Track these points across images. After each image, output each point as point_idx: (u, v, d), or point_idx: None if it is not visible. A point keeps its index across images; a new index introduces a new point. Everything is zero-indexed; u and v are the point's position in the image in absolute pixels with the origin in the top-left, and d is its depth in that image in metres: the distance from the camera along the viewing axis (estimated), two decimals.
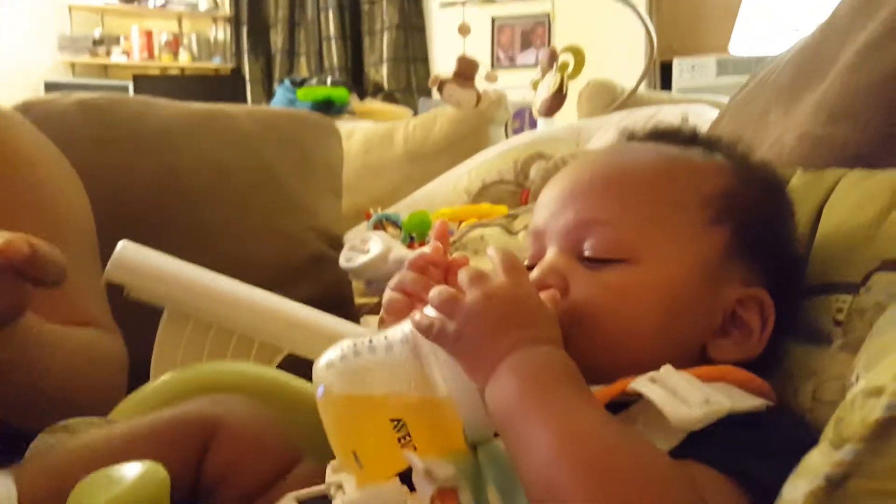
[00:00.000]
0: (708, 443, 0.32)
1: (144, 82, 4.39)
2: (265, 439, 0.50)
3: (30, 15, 4.35)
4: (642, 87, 1.96)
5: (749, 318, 0.40)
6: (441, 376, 0.35)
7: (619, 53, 3.07)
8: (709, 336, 0.40)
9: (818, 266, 0.43)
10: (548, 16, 3.73)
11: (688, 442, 0.33)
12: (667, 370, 0.35)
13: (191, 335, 0.72)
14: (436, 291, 0.36)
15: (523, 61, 3.97)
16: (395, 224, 1.20)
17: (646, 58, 1.88)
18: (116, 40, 4.70)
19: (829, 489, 0.27)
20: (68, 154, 0.77)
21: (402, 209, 1.33)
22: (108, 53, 4.66)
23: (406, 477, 0.35)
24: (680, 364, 0.37)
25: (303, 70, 4.43)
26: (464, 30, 1.64)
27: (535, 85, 1.59)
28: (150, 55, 4.72)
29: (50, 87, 4.16)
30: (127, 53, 4.69)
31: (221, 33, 4.82)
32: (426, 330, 0.36)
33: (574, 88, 1.62)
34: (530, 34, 3.99)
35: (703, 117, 1.34)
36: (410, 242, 1.12)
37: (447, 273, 0.46)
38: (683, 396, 0.33)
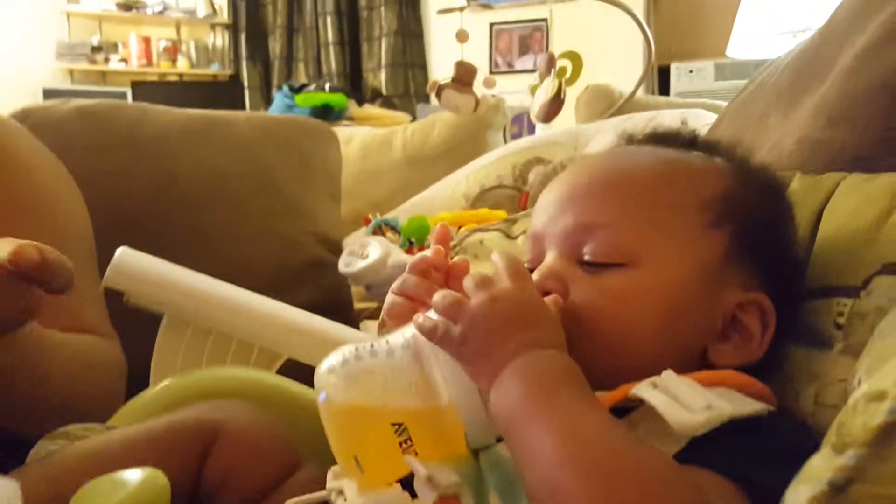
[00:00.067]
0: (710, 448, 0.32)
1: (143, 89, 4.39)
2: (265, 444, 0.50)
3: (28, 22, 4.36)
4: (640, 92, 1.97)
5: (749, 322, 0.40)
6: (442, 381, 0.35)
7: (617, 58, 3.08)
8: (709, 340, 0.40)
9: (818, 269, 0.43)
10: (546, 21, 3.75)
11: (690, 447, 0.32)
12: (668, 375, 0.35)
13: (190, 341, 0.72)
14: (440, 295, 0.37)
15: (521, 66, 3.98)
16: (394, 229, 1.20)
17: (644, 62, 1.88)
18: (114, 47, 4.70)
19: (831, 494, 0.26)
20: (66, 160, 0.77)
21: (401, 214, 1.33)
22: (107, 60, 4.66)
23: (408, 483, 0.35)
24: (681, 368, 0.37)
25: (301, 76, 4.44)
26: (461, 36, 1.64)
27: (532, 90, 1.60)
28: (149, 62, 4.73)
29: (48, 93, 4.16)
30: (125, 60, 4.69)
31: (220, 40, 4.83)
32: (430, 333, 0.36)
33: (572, 93, 1.63)
34: (528, 39, 4.01)
35: (701, 121, 1.35)
36: (409, 247, 1.12)
37: (448, 277, 0.46)
38: (685, 402, 0.33)
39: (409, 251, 1.04)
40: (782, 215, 0.44)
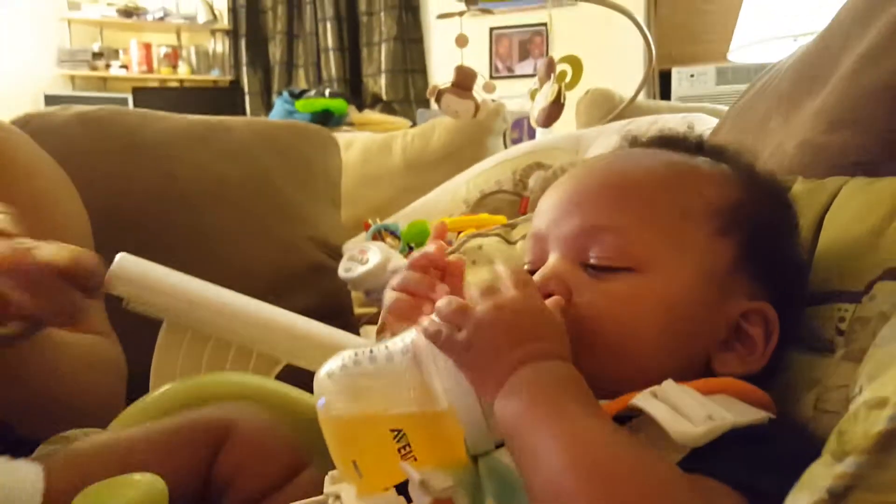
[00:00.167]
0: (711, 457, 0.32)
1: (143, 95, 4.41)
2: (273, 445, 0.52)
3: (29, 29, 4.38)
4: (641, 97, 1.97)
5: (753, 332, 0.40)
6: (442, 387, 0.35)
7: (618, 62, 3.08)
8: (713, 349, 0.40)
9: (820, 274, 0.43)
10: (545, 25, 3.76)
11: (691, 456, 0.32)
12: (669, 385, 0.35)
13: (189, 346, 0.72)
14: (445, 301, 0.36)
15: (521, 71, 3.99)
16: (394, 234, 1.20)
17: (644, 67, 1.88)
18: (115, 53, 4.72)
19: (830, 502, 0.26)
20: (67, 166, 0.77)
21: (401, 219, 1.33)
22: (108, 66, 4.68)
23: (404, 487, 0.35)
24: (683, 375, 0.37)
25: (301, 82, 4.45)
26: (461, 41, 1.64)
27: (532, 95, 1.59)
28: (149, 68, 4.74)
29: (50, 100, 4.17)
30: (126, 66, 4.71)
31: (220, 46, 4.85)
32: (434, 337, 0.36)
33: (572, 98, 1.63)
34: (528, 44, 4.02)
35: (702, 126, 1.35)
36: (409, 252, 1.11)
37: (444, 275, 0.46)
38: (686, 413, 0.32)
39: (408, 256, 1.04)
40: (788, 225, 0.44)
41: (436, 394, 0.35)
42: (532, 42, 4.01)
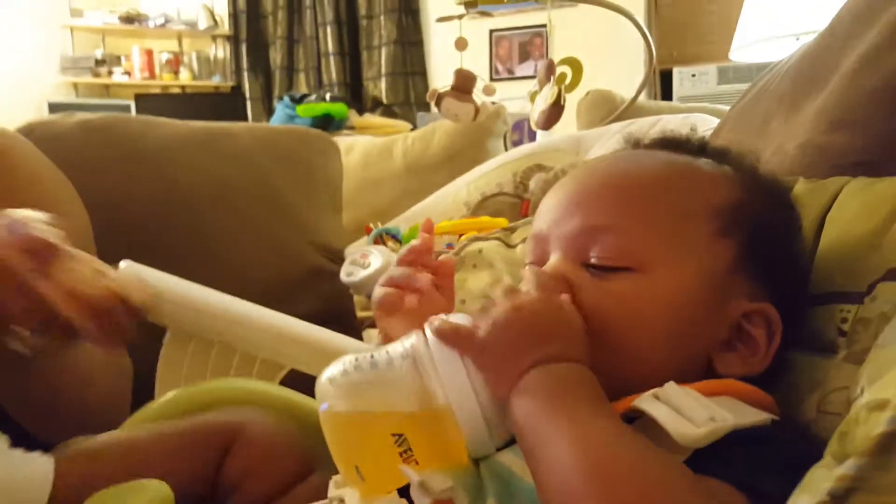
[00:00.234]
0: (713, 459, 0.32)
1: (146, 101, 4.43)
2: (279, 449, 0.53)
3: (32, 37, 4.40)
4: (642, 97, 1.97)
5: (756, 332, 0.40)
6: (442, 391, 0.35)
7: (619, 63, 3.08)
8: (714, 349, 0.40)
9: (822, 275, 0.42)
10: (545, 27, 3.76)
11: (693, 458, 0.32)
12: (671, 387, 0.35)
13: (194, 353, 0.72)
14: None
15: (522, 73, 3.99)
16: (395, 238, 1.20)
17: (645, 67, 1.88)
18: (118, 60, 4.74)
19: None
20: (71, 173, 0.77)
21: (402, 223, 1.33)
22: (110, 73, 4.70)
23: (408, 490, 0.35)
24: (685, 376, 0.37)
25: (302, 86, 4.46)
26: (460, 44, 1.64)
27: (532, 97, 1.59)
28: (151, 74, 4.76)
29: (53, 107, 4.19)
30: (128, 73, 4.72)
31: (221, 51, 4.86)
32: (447, 337, 0.36)
33: (572, 100, 1.63)
34: (528, 45, 4.02)
35: (703, 126, 1.34)
36: None
37: (435, 274, 0.47)
38: (688, 414, 0.32)
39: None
40: (791, 226, 0.44)
41: (437, 398, 0.35)
42: (532, 44, 4.01)
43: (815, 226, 0.45)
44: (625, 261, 0.39)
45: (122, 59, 4.74)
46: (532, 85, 1.63)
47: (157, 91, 4.79)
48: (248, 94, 4.63)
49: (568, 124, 1.76)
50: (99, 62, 4.66)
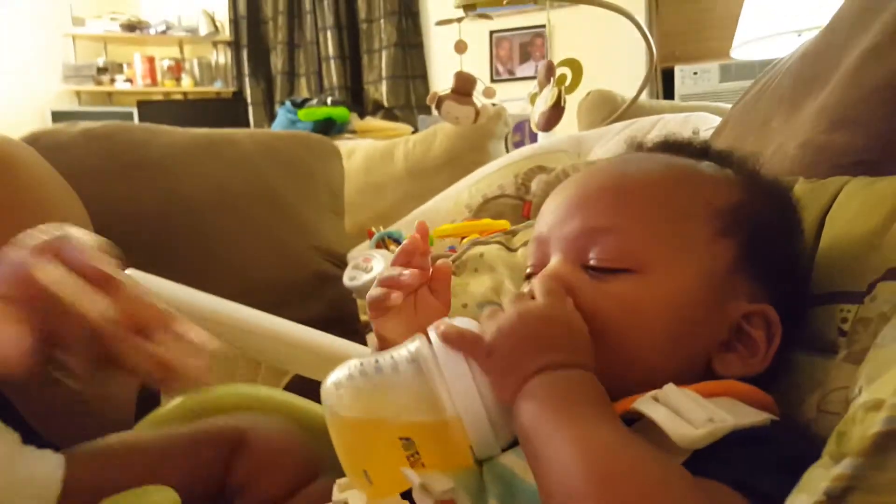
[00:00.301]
0: (712, 459, 0.32)
1: (148, 108, 4.44)
2: (285, 453, 0.53)
3: (34, 46, 4.42)
4: (643, 96, 1.97)
5: (755, 333, 0.40)
6: (447, 395, 0.35)
7: (621, 61, 3.07)
8: (714, 350, 0.40)
9: (822, 275, 0.42)
10: (546, 27, 3.76)
11: (692, 458, 0.32)
12: (670, 388, 0.35)
13: None
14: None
15: (522, 74, 3.99)
16: (398, 241, 1.20)
17: (646, 66, 1.88)
18: (120, 68, 4.76)
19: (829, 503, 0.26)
20: (75, 182, 0.78)
21: (404, 226, 1.33)
22: (112, 81, 4.72)
23: (410, 493, 0.35)
24: (684, 377, 0.37)
25: (303, 91, 4.47)
26: (460, 48, 1.65)
27: (532, 99, 1.59)
28: (153, 81, 4.78)
29: (57, 115, 4.21)
30: (130, 80, 4.74)
31: (222, 57, 4.88)
32: (453, 341, 0.36)
33: (573, 101, 1.63)
34: (529, 46, 4.02)
35: (705, 125, 1.34)
36: None
37: (431, 281, 0.47)
38: (687, 416, 0.33)
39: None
40: (791, 227, 0.44)
41: (442, 401, 0.35)
42: (533, 44, 4.01)
43: (816, 225, 0.45)
44: (624, 262, 0.40)
45: (124, 66, 4.76)
46: (532, 86, 1.63)
47: (160, 98, 4.81)
48: (249, 100, 4.64)
49: (569, 125, 1.76)
50: (101, 70, 4.68)
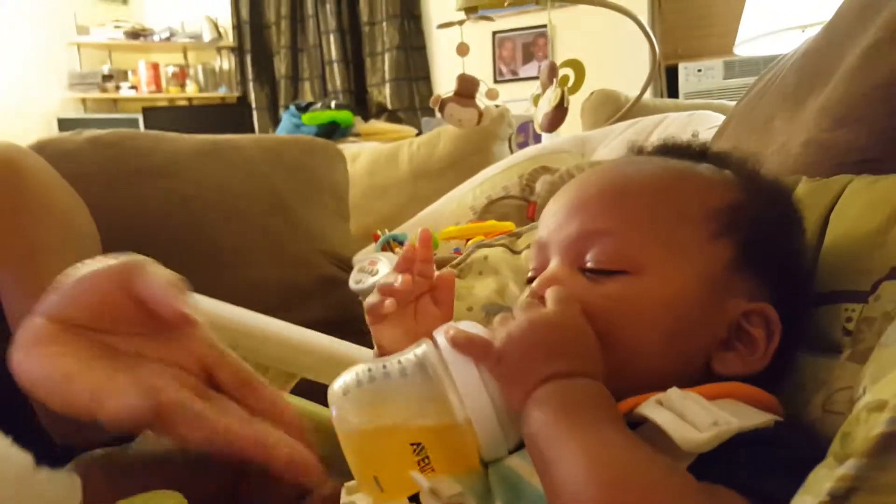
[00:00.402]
0: (718, 462, 0.32)
1: (154, 114, 4.47)
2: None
3: (40, 55, 4.45)
4: (647, 95, 1.96)
5: (754, 332, 0.40)
6: (457, 397, 0.36)
7: (625, 60, 3.07)
8: (713, 349, 0.40)
9: (826, 274, 0.42)
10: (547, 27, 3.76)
11: (698, 462, 0.32)
12: (674, 392, 0.35)
13: None
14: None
15: (525, 74, 3.99)
16: (403, 244, 1.20)
17: (650, 65, 1.88)
18: (124, 75, 4.79)
19: None
20: (81, 188, 0.78)
21: (409, 229, 1.33)
22: (117, 88, 4.75)
23: (418, 497, 0.35)
24: (683, 376, 0.37)
25: (307, 95, 4.48)
26: (462, 50, 1.65)
27: (535, 100, 1.59)
28: (158, 87, 4.80)
29: (63, 123, 4.24)
30: (135, 87, 4.77)
31: (226, 63, 4.90)
32: (462, 345, 0.36)
33: (576, 101, 1.63)
34: (531, 46, 4.02)
35: (708, 123, 1.34)
36: None
37: (434, 290, 0.47)
38: (691, 420, 0.33)
39: None
40: (791, 226, 0.44)
41: (451, 405, 0.36)
42: (535, 44, 4.01)
43: (819, 224, 0.44)
44: (621, 264, 0.40)
45: (129, 73, 4.79)
46: (535, 87, 1.63)
47: (165, 104, 4.84)
48: (253, 105, 4.66)
49: (573, 125, 1.76)
50: (106, 77, 4.71)
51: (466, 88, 1.57)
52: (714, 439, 0.32)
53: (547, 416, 0.33)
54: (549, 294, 0.39)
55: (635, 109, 1.80)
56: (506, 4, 1.58)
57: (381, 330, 0.48)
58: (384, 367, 0.37)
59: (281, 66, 4.62)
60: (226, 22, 4.74)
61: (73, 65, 4.68)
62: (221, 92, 4.85)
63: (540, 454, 0.33)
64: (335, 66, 4.43)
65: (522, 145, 1.97)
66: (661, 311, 0.39)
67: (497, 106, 1.73)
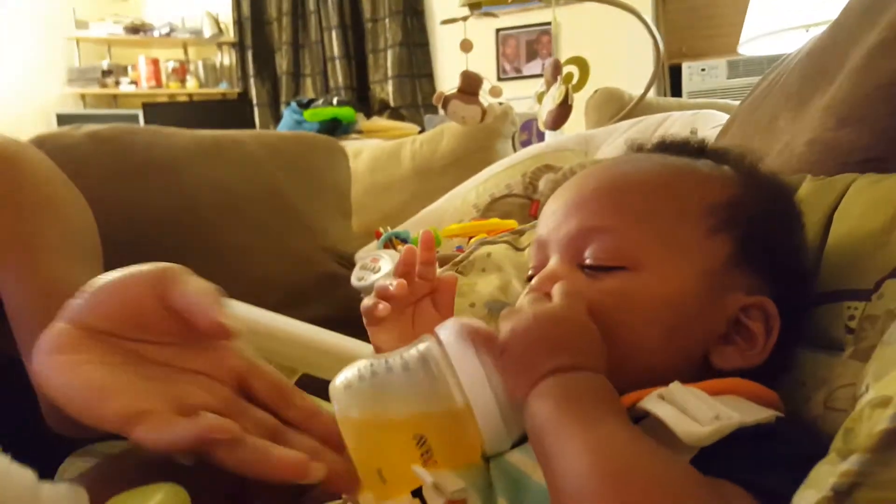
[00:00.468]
0: (719, 457, 0.32)
1: (154, 110, 4.46)
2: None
3: (39, 50, 4.45)
4: (651, 94, 1.96)
5: (753, 326, 0.40)
6: (459, 390, 0.36)
7: (628, 59, 3.07)
8: (711, 343, 0.40)
9: (830, 272, 0.43)
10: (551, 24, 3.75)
11: (699, 456, 0.33)
12: (676, 387, 0.35)
13: None
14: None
15: (529, 71, 3.99)
16: (405, 242, 1.20)
17: (654, 63, 1.88)
18: (124, 70, 4.78)
19: (836, 500, 0.26)
20: (81, 183, 0.78)
21: (411, 226, 1.33)
22: (117, 83, 4.74)
23: (421, 491, 0.35)
24: (682, 370, 0.37)
25: (309, 91, 4.48)
26: (465, 47, 1.64)
27: (539, 98, 1.59)
28: (158, 83, 4.80)
29: (62, 118, 4.24)
30: (135, 82, 4.76)
31: (227, 59, 4.89)
32: (468, 335, 0.37)
33: (580, 99, 1.63)
34: (535, 44, 4.01)
35: (712, 122, 1.34)
36: None
37: (434, 293, 0.47)
38: (693, 414, 0.33)
39: None
40: (790, 221, 0.44)
41: (454, 399, 0.36)
42: (539, 42, 4.00)
43: (823, 223, 0.45)
44: (619, 260, 0.40)
45: (129, 68, 4.79)
46: (539, 85, 1.63)
47: (165, 100, 4.83)
48: (255, 101, 4.66)
49: (576, 123, 1.76)
50: (106, 72, 4.70)
51: (470, 85, 1.57)
52: (715, 433, 0.32)
53: (550, 410, 0.33)
54: (556, 289, 0.39)
55: (639, 108, 1.80)
56: (510, 1, 1.57)
57: (377, 332, 0.48)
58: (386, 361, 0.37)
59: (282, 62, 4.61)
60: (226, 17, 4.73)
61: (72, 60, 4.68)
62: (222, 88, 4.85)
63: (543, 447, 0.33)
64: (337, 62, 4.43)
65: (526, 143, 1.97)
66: (659, 307, 0.39)
67: (501, 103, 1.73)
